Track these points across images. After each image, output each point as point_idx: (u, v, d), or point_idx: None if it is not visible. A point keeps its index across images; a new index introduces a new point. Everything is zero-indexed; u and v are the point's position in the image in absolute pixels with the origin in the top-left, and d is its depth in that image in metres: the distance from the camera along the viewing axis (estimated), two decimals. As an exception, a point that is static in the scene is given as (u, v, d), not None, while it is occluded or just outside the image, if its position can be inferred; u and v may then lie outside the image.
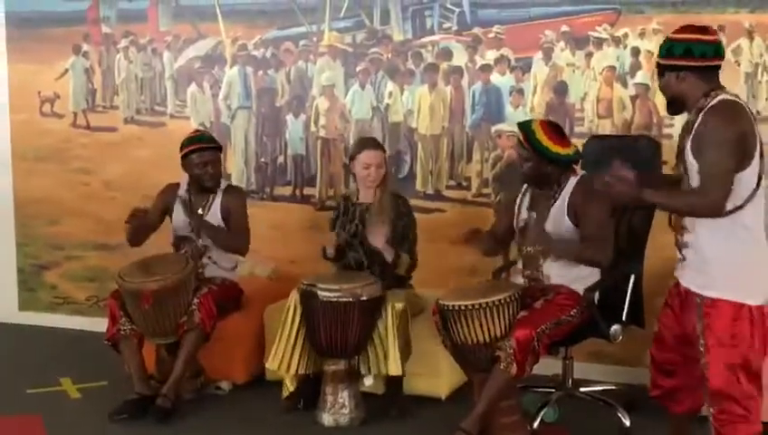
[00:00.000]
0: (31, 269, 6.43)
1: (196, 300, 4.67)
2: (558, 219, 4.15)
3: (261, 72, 5.79)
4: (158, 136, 6.05)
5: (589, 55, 5.10)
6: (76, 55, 6.19)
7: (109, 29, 6.14)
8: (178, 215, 5.00)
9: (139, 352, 4.72)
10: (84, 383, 5.10)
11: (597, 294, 4.18)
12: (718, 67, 3.35)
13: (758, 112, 4.77)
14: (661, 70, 3.39)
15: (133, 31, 6.08)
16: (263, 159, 5.84)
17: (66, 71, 6.23)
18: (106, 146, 6.17)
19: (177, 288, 4.62)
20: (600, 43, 5.06)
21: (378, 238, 4.59)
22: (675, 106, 3.42)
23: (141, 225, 4.89)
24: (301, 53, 5.70)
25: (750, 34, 4.77)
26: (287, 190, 5.82)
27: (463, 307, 4.02)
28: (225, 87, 5.87)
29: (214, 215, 4.96)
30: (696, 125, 3.26)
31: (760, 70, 4.80)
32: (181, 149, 4.97)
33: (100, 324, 5.67)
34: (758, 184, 3.26)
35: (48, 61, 6.24)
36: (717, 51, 3.34)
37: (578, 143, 4.81)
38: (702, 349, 3.31)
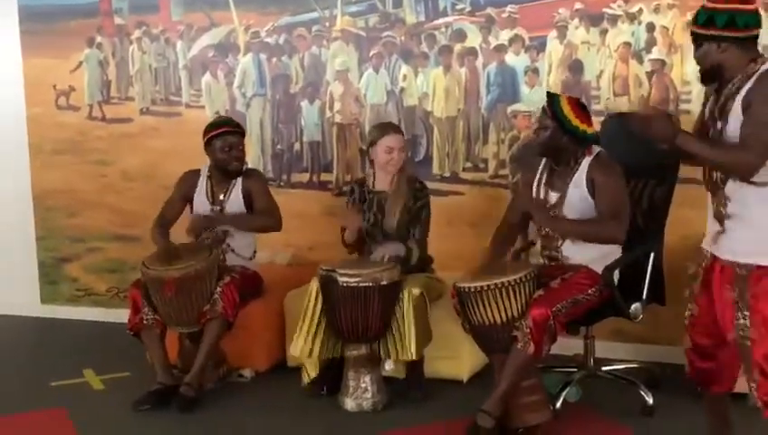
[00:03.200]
0: (51, 262, 6.47)
1: (218, 288, 4.68)
2: (576, 195, 4.13)
3: (275, 59, 5.78)
4: (173, 126, 6.05)
5: (603, 32, 5.06)
6: (90, 48, 6.20)
7: (122, 20, 6.14)
8: (200, 201, 5.00)
9: (161, 342, 4.74)
10: (107, 374, 5.13)
11: (617, 273, 4.16)
12: (757, 36, 3.25)
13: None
14: (698, 40, 3.26)
15: (146, 21, 6.08)
16: (279, 147, 5.84)
17: (80, 63, 6.24)
18: (122, 137, 6.19)
19: (200, 277, 4.63)
20: (614, 19, 5.03)
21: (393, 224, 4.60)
22: (709, 76, 3.29)
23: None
24: (314, 39, 5.68)
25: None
26: (304, 177, 5.82)
27: (479, 288, 4.01)
28: (239, 75, 5.87)
29: (236, 199, 4.96)
30: (746, 88, 3.15)
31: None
32: (205, 134, 4.97)
33: (121, 315, 5.70)
34: None
35: (62, 54, 6.25)
36: (758, 20, 3.25)
37: (595, 121, 4.80)
38: (744, 320, 3.18)
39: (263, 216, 4.97)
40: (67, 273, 6.44)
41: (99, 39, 6.18)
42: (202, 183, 5.02)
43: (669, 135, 3.19)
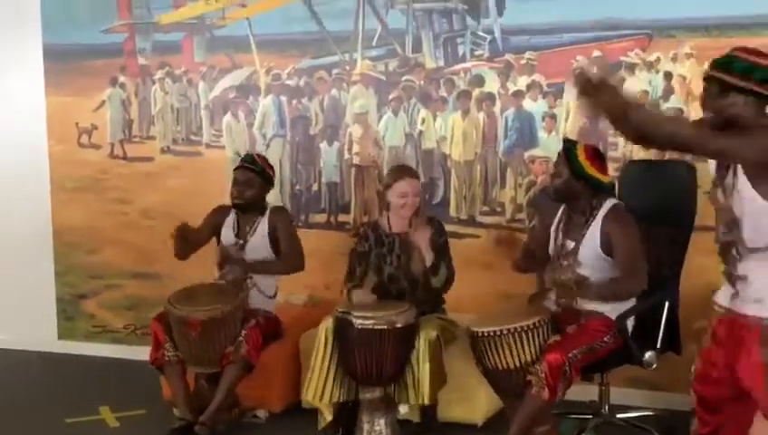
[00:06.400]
0: (69, 298, 6.50)
1: (243, 332, 4.69)
2: (590, 247, 4.15)
3: (295, 101, 5.84)
4: (194, 165, 6.11)
5: (621, 80, 5.09)
6: (113, 87, 6.28)
7: (145, 60, 6.22)
8: (226, 234, 5.05)
9: (183, 378, 4.75)
10: (123, 412, 5.14)
11: (632, 320, 4.16)
12: None
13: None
14: (727, 89, 3.07)
15: (169, 62, 6.16)
16: (298, 187, 5.88)
17: (103, 102, 6.32)
18: (143, 176, 6.25)
19: (226, 319, 4.65)
20: (632, 67, 5.06)
21: (423, 246, 4.63)
22: (720, 128, 3.06)
23: (186, 239, 4.88)
24: (334, 82, 5.74)
25: (784, 57, 4.74)
26: (322, 218, 5.86)
27: (492, 333, 4.02)
28: (259, 116, 5.92)
29: (260, 236, 5.00)
30: None
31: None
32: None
33: (138, 352, 5.74)
34: None
35: (85, 92, 6.32)
36: None
37: (612, 168, 4.82)
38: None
39: (285, 260, 5.01)
40: (84, 309, 6.48)
41: (122, 79, 6.26)
42: (231, 217, 5.08)
43: (618, 108, 2.85)
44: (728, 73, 3.08)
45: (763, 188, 3.02)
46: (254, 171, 5.04)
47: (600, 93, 2.83)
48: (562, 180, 4.19)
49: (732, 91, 3.07)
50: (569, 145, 4.24)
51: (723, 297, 3.26)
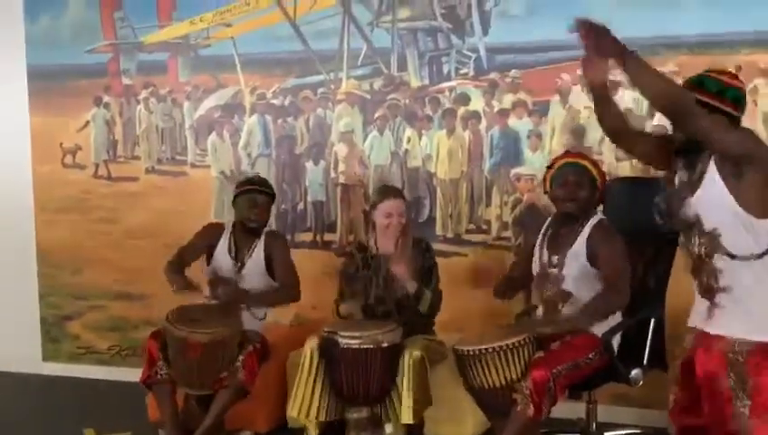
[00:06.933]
0: (54, 319, 6.47)
1: (241, 357, 4.65)
2: (575, 262, 4.16)
3: (280, 120, 5.84)
4: (179, 185, 6.10)
5: (606, 98, 5.11)
6: (97, 107, 6.27)
7: (129, 81, 6.21)
8: (221, 255, 4.99)
9: (173, 398, 4.69)
10: (108, 434, 5.09)
11: (618, 337, 4.16)
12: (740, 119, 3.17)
13: (777, 152, 4.78)
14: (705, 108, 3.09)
15: (153, 82, 6.15)
16: (283, 206, 5.87)
17: (87, 122, 6.30)
18: (127, 196, 6.23)
19: (226, 343, 4.61)
20: (616, 86, 5.06)
21: (404, 277, 4.61)
22: (693, 148, 3.12)
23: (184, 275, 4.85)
24: (319, 101, 5.75)
25: (766, 74, 4.78)
26: (308, 237, 5.85)
27: (476, 351, 4.02)
28: (244, 135, 5.92)
29: (257, 259, 4.97)
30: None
31: (778, 110, 4.81)
32: (236, 188, 5.05)
33: (123, 374, 5.72)
34: None
35: (70, 113, 6.31)
36: (746, 102, 3.20)
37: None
38: (744, 409, 3.06)
39: (283, 291, 4.97)
40: (69, 330, 6.44)
41: (106, 99, 6.25)
42: (225, 237, 5.02)
43: (618, 50, 3.03)
44: (702, 93, 3.11)
45: (742, 197, 3.02)
46: (269, 194, 5.02)
47: (602, 35, 2.99)
48: (586, 192, 4.19)
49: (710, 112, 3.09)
50: (583, 159, 4.27)
51: (698, 318, 3.23)
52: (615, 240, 4.13)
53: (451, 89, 5.46)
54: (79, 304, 6.40)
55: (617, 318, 4.16)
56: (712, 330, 3.17)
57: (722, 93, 3.12)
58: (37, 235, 6.45)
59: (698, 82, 3.17)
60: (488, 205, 5.42)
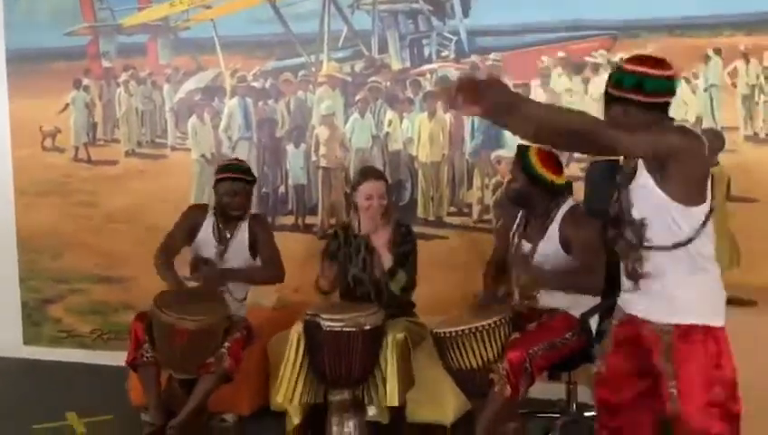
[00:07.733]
0: (35, 303, 6.45)
1: (226, 344, 4.65)
2: (549, 247, 4.18)
3: (261, 103, 5.82)
4: (159, 168, 6.08)
5: (586, 80, 5.14)
6: (77, 90, 6.24)
7: (109, 63, 6.18)
8: (206, 238, 4.96)
9: (157, 381, 4.69)
10: (90, 417, 5.10)
11: (596, 319, 4.18)
12: (668, 103, 3.12)
13: (755, 134, 4.82)
14: (608, 100, 3.11)
15: (133, 65, 6.13)
16: (264, 190, 5.87)
17: (67, 105, 6.27)
18: (107, 179, 6.20)
19: (212, 330, 4.61)
20: (596, 68, 5.10)
21: (382, 249, 4.64)
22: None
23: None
24: (300, 84, 5.74)
25: (746, 57, 4.81)
26: (289, 220, 5.85)
27: (453, 333, 4.05)
28: (225, 118, 5.91)
29: (241, 241, 4.95)
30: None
31: (756, 92, 4.84)
32: (216, 174, 4.99)
33: (104, 357, 5.71)
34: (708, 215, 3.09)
35: (49, 95, 6.27)
36: (670, 87, 3.12)
37: (577, 168, 4.85)
38: (673, 390, 3.08)
39: (268, 269, 4.96)
40: (50, 314, 6.42)
41: (86, 81, 6.22)
42: (209, 221, 4.98)
43: (506, 102, 2.75)
44: (620, 90, 3.06)
45: (668, 188, 3.04)
46: (249, 181, 4.97)
47: (488, 88, 2.72)
48: (518, 186, 4.24)
49: (612, 103, 3.09)
50: (522, 149, 4.26)
51: (625, 299, 3.25)
52: (587, 226, 4.08)
53: (432, 71, 5.46)
54: (60, 288, 6.38)
55: (594, 300, 4.18)
56: (639, 314, 3.19)
57: (639, 86, 3.05)
58: (17, 219, 6.43)
59: (616, 80, 3.11)
60: (469, 187, 5.43)
